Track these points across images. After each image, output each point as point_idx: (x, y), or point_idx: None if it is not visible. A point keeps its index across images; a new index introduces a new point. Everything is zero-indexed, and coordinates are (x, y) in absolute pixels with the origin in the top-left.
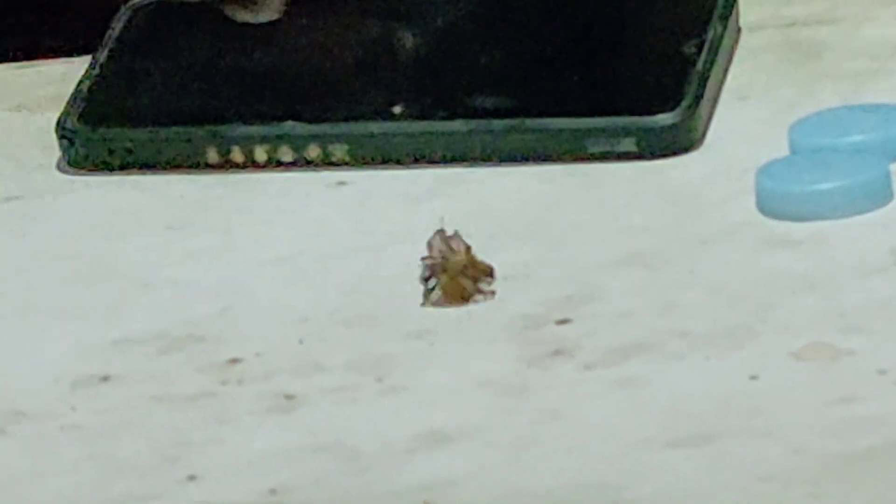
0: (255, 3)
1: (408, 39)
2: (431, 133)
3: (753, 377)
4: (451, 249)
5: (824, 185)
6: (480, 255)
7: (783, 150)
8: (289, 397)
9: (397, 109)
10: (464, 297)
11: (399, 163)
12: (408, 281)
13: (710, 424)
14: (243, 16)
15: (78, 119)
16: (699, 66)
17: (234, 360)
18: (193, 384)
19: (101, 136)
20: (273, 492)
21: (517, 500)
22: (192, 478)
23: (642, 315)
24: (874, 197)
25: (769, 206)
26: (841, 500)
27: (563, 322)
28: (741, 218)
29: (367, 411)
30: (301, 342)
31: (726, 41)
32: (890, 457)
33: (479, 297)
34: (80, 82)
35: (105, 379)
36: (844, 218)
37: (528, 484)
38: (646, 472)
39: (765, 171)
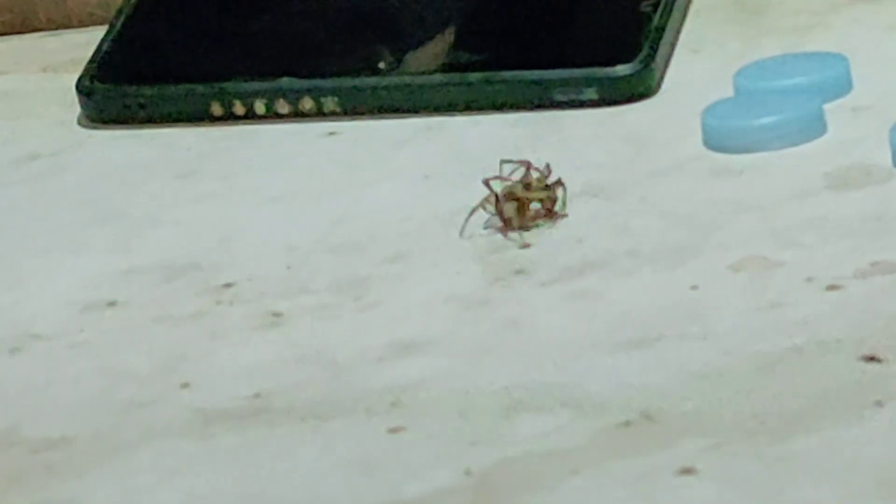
0: None
1: (393, 2)
2: (413, 86)
3: (694, 287)
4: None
5: (762, 121)
6: (452, 193)
7: (729, 95)
8: (276, 315)
9: (382, 65)
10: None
11: (384, 113)
12: (386, 214)
13: (653, 329)
14: None
15: (96, 78)
16: (655, 22)
17: (228, 285)
18: (191, 306)
19: (117, 93)
20: (257, 396)
21: (476, 397)
22: (185, 385)
23: (597, 238)
24: (807, 131)
25: (713, 141)
26: (766, 394)
27: (525, 247)
28: (689, 153)
29: (345, 326)
30: (289, 268)
31: (680, 1)
32: (812, 354)
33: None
34: (98, 46)
35: (112, 304)
36: (781, 150)
37: (487, 383)
38: (594, 372)
39: (710, 110)
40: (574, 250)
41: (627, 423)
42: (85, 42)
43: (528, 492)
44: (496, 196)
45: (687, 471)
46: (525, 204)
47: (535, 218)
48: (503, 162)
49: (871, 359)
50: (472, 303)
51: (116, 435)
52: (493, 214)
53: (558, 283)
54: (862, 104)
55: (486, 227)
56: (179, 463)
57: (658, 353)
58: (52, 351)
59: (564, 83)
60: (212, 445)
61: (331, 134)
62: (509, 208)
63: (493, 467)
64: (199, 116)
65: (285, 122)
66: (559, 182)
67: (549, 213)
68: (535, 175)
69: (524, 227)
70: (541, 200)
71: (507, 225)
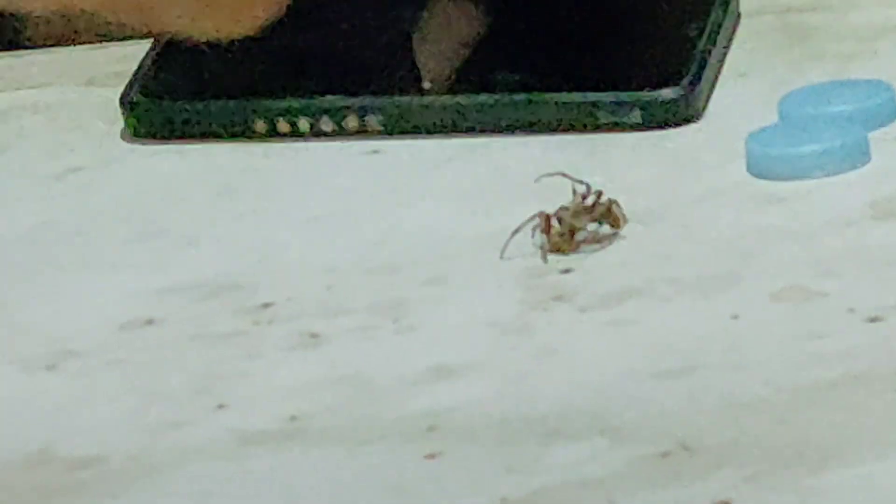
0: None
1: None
2: (458, 106)
3: (734, 317)
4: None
5: (807, 148)
6: (494, 214)
7: (774, 121)
8: (313, 336)
9: (427, 84)
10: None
11: (428, 133)
12: (427, 235)
13: (691, 358)
14: None
15: (140, 92)
16: (700, 46)
17: (267, 305)
18: (228, 325)
19: (161, 107)
20: (293, 418)
21: (513, 424)
22: (221, 406)
23: (637, 265)
24: (852, 160)
25: (757, 167)
26: (806, 426)
27: (565, 272)
28: (733, 179)
29: (384, 348)
30: (328, 288)
31: (726, 25)
32: (853, 386)
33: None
34: (143, 60)
35: (149, 322)
36: (824, 178)
37: (524, 410)
38: (632, 401)
39: (754, 136)
40: (614, 276)
41: (665, 454)
42: (129, 55)
43: None
44: (547, 216)
45: (723, 503)
46: (574, 229)
47: (584, 242)
48: (578, 181)
49: None
50: (510, 328)
51: (151, 455)
52: (540, 231)
53: (598, 309)
54: None
55: (526, 252)
56: (214, 485)
57: (697, 382)
58: (88, 368)
59: (609, 106)
60: (247, 467)
61: (374, 152)
62: (556, 232)
63: (529, 495)
64: (243, 133)
65: (328, 140)
66: (615, 202)
67: (599, 238)
68: (590, 200)
69: (569, 250)
70: (599, 221)
71: (552, 248)
